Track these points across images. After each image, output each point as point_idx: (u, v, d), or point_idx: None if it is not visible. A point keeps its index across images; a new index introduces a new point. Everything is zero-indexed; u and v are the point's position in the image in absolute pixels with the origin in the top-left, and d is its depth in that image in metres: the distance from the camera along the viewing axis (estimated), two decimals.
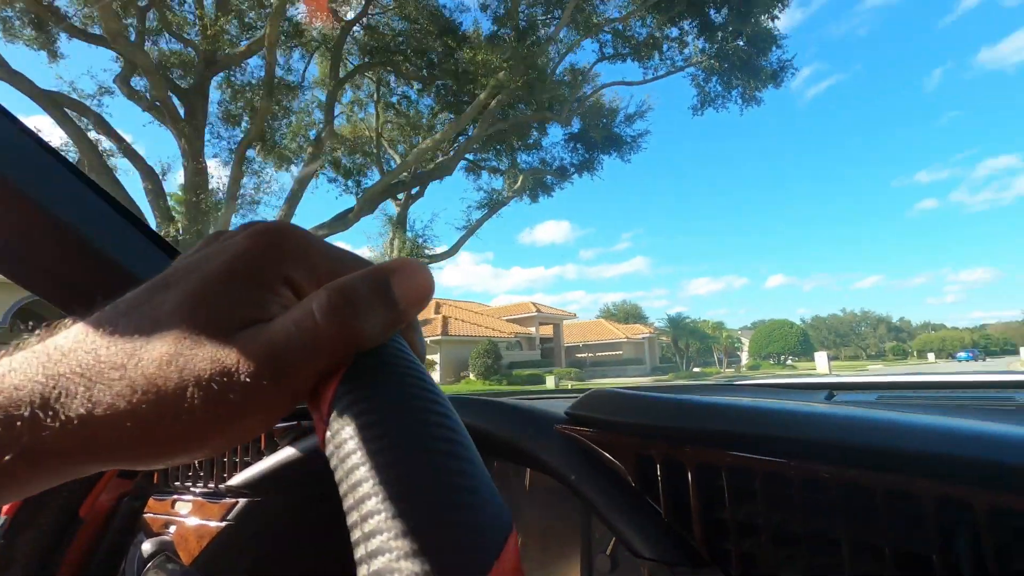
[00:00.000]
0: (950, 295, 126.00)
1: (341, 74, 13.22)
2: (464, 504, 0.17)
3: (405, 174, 14.48)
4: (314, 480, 0.80)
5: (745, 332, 49.71)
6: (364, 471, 0.18)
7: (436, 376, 15.19)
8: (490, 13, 13.52)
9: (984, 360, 53.09)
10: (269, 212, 13.53)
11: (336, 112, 13.58)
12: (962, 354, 59.41)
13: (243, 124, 13.67)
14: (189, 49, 11.97)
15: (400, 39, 13.53)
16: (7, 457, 0.18)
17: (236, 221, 12.21)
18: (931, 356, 74.08)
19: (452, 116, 13.93)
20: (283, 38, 12.38)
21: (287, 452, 0.79)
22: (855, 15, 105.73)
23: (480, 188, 16.76)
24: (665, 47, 14.56)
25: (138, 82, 11.66)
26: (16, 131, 0.47)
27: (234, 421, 0.20)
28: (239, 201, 12.38)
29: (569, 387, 11.72)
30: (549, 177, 16.79)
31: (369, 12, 12.97)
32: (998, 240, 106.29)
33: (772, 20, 13.27)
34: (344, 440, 0.19)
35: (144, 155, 11.72)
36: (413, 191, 15.43)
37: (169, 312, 0.21)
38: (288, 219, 5.35)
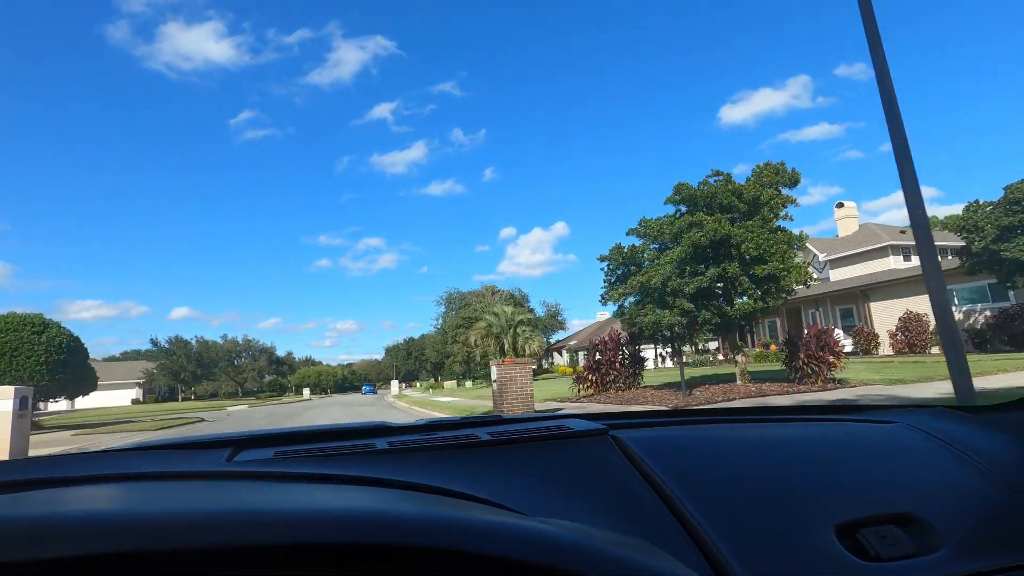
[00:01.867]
0: (328, 340, 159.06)
1: None
2: None
3: None
4: None
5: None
6: None
7: None
8: None
9: (376, 392, 64.04)
10: None
11: None
12: (366, 387, 74.09)
13: None
14: None
15: None
16: None
17: None
18: (307, 392, 65.00)
19: None
20: None
21: None
22: (295, 84, 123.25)
23: None
24: None
25: None
26: None
27: None
28: None
29: None
30: None
31: None
32: (364, 300, 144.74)
33: None
34: None
35: None
36: None
37: None
38: None
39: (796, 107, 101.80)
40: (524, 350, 35.01)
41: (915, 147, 3.96)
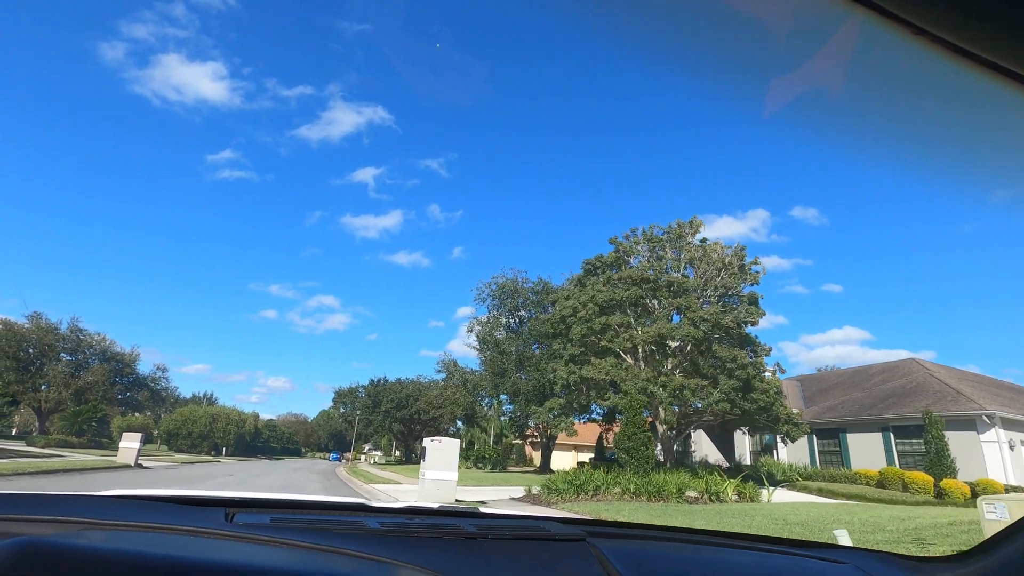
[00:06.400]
0: (255, 395, 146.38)
1: None
2: None
3: None
4: None
5: None
6: None
7: None
8: None
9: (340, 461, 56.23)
10: None
11: None
12: (332, 455, 71.30)
13: None
14: None
15: None
16: None
17: None
18: (129, 444, 25.33)
19: None
20: None
21: None
22: (283, 135, 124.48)
23: None
24: None
25: None
26: None
27: None
28: None
29: None
30: None
31: None
32: (302, 358, 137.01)
33: None
34: None
35: None
36: None
37: None
38: None
39: (753, 239, 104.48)
40: None
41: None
